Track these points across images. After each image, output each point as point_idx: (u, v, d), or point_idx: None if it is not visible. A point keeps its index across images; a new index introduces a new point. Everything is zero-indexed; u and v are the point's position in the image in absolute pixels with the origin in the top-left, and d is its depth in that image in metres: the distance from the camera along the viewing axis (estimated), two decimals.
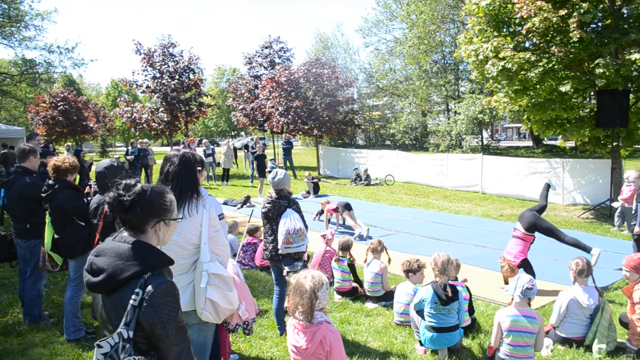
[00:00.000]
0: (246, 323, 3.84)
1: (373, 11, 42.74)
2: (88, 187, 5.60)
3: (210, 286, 3.27)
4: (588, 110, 13.49)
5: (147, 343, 2.16)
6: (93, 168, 6.27)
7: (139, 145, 19.86)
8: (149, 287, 2.12)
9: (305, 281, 3.34)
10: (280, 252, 5.26)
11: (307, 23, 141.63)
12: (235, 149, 26.26)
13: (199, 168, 3.54)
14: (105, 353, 2.09)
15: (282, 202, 5.34)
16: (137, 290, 2.11)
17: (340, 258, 7.08)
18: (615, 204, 11.57)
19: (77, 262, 5.26)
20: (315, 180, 18.23)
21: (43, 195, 5.24)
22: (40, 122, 33.73)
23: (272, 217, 5.38)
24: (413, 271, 6.04)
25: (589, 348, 5.18)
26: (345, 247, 7.12)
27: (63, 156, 5.56)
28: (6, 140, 19.50)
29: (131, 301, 2.10)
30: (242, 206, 14.81)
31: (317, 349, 3.29)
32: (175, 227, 2.50)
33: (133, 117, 26.58)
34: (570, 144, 17.70)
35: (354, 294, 7.00)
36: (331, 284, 7.40)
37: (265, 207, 5.44)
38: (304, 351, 3.32)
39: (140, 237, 2.31)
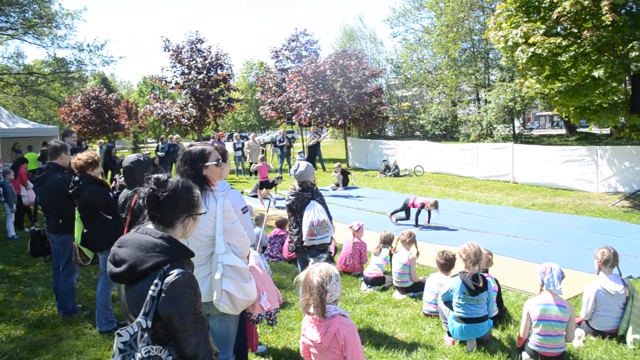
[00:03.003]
0: (269, 314, 3.84)
1: (401, 1, 42.17)
2: (114, 181, 5.69)
3: (225, 278, 3.28)
4: (623, 95, 13.09)
5: (167, 334, 2.17)
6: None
7: (169, 141, 20.10)
8: (168, 278, 2.13)
9: (313, 276, 3.27)
10: (305, 244, 5.26)
11: (306, 23, 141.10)
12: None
13: (214, 162, 3.51)
14: (125, 342, 2.13)
15: (306, 194, 5.32)
16: (156, 281, 2.13)
17: (382, 248, 7.26)
18: None
19: (106, 255, 5.31)
20: (344, 172, 18.18)
21: (70, 191, 5.35)
22: (73, 121, 34.49)
23: (296, 209, 5.37)
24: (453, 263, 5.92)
25: (623, 338, 5.03)
26: (388, 241, 7.32)
27: (82, 153, 5.64)
28: (41, 138, 20.11)
29: (150, 292, 2.12)
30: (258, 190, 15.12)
31: (331, 343, 3.25)
32: (199, 221, 2.53)
33: (163, 113, 26.90)
34: (605, 130, 17.21)
35: (382, 283, 6.99)
36: (359, 275, 7.41)
37: (289, 199, 5.43)
38: (319, 345, 3.29)
39: (168, 231, 2.34)
